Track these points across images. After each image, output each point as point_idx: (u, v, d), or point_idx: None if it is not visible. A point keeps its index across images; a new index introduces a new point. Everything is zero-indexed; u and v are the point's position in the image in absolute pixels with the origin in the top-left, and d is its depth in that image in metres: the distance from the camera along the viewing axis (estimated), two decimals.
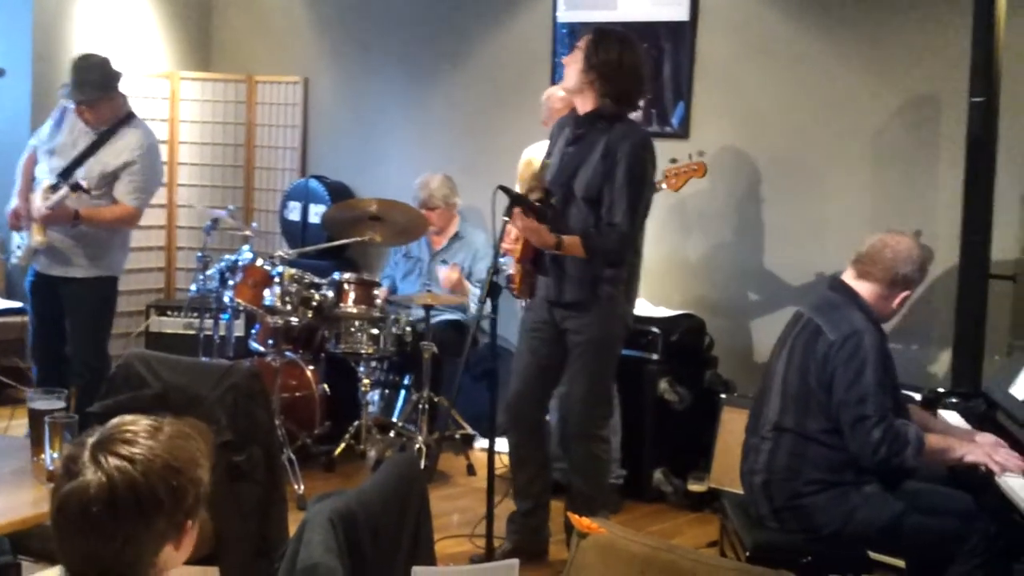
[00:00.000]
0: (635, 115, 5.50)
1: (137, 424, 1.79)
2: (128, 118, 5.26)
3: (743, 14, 5.70)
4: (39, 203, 5.05)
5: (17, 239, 5.31)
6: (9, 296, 6.79)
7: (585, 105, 4.30)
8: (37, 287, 5.32)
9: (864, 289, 3.58)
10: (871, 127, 5.37)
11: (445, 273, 5.89)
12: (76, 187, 4.98)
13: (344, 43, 7.29)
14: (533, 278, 4.43)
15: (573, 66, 4.28)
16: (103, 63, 5.14)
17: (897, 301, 3.61)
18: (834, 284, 3.67)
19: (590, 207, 4.23)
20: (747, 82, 5.71)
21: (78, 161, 5.14)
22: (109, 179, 5.12)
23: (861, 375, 3.39)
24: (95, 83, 5.09)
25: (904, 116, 5.27)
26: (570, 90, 4.35)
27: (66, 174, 5.10)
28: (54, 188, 5.05)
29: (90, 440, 1.76)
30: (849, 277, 3.63)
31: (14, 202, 5.24)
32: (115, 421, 1.81)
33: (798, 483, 3.50)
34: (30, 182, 5.28)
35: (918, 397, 4.20)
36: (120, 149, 5.16)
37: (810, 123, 5.53)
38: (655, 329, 5.36)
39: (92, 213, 5.11)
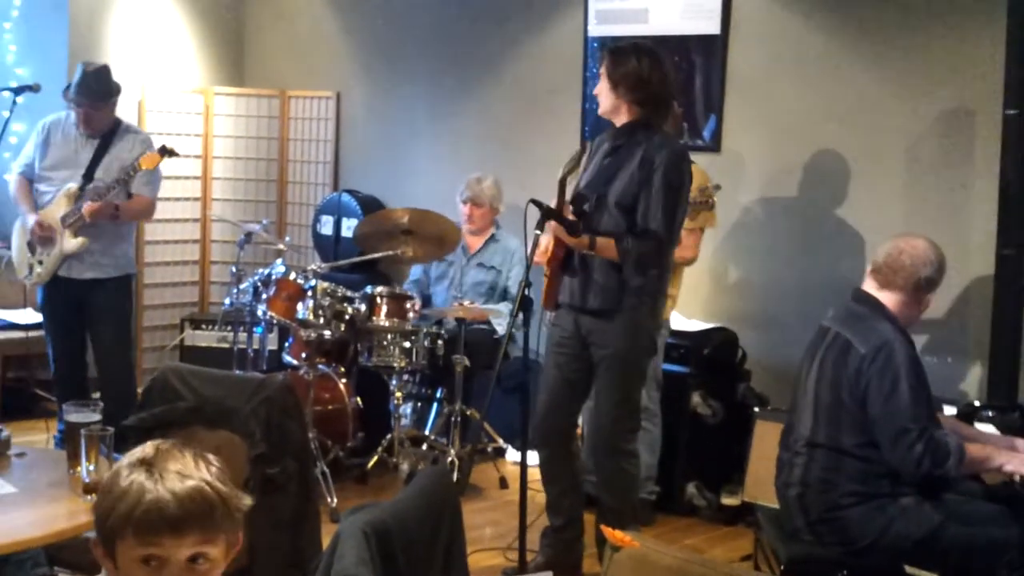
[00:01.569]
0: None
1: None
2: (118, 122, 5.47)
3: (774, 27, 5.68)
4: (65, 206, 5.17)
5: (28, 259, 5.38)
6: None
7: (621, 119, 4.31)
8: (56, 300, 5.41)
9: (888, 299, 3.56)
10: (905, 139, 5.34)
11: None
12: (133, 171, 5.18)
13: (375, 58, 7.33)
14: (558, 288, 4.41)
15: (602, 89, 4.32)
16: (109, 70, 5.36)
17: (923, 305, 3.59)
18: (858, 296, 3.64)
19: (623, 214, 4.21)
20: (779, 95, 5.70)
21: (94, 164, 5.30)
22: (126, 175, 5.26)
23: (896, 387, 3.36)
24: (107, 89, 5.33)
25: (938, 128, 5.24)
26: (607, 112, 4.35)
27: (88, 177, 5.23)
28: (81, 191, 5.19)
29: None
30: (872, 288, 3.60)
31: (32, 218, 5.32)
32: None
33: (834, 496, 3.48)
34: (32, 202, 5.40)
35: (954, 411, 4.17)
36: (130, 144, 5.38)
37: (843, 135, 5.51)
38: (687, 343, 5.35)
39: (127, 206, 5.32)
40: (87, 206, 5.14)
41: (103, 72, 5.31)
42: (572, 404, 4.52)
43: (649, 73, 4.25)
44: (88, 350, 5.52)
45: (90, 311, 5.39)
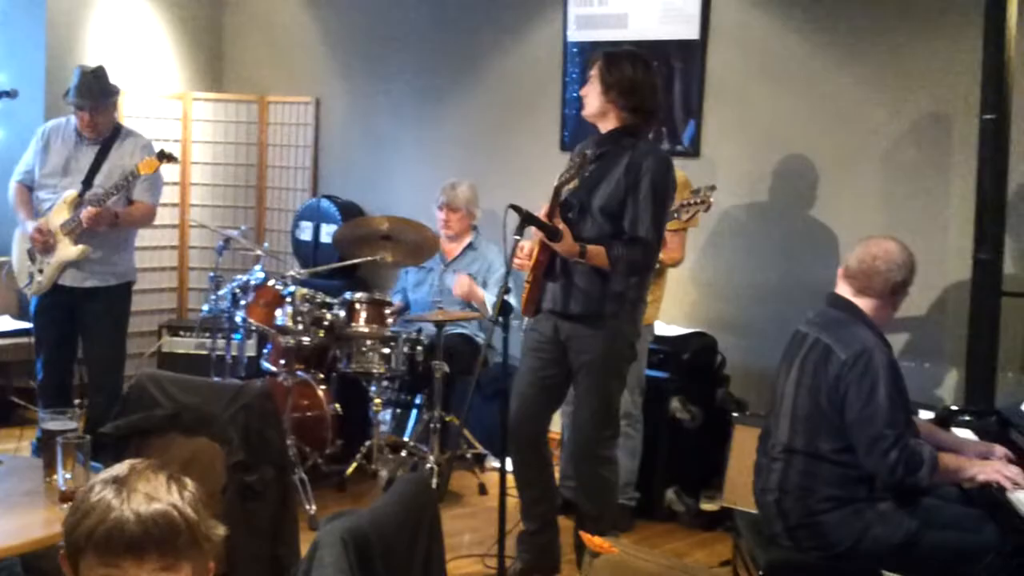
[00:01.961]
0: None
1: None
2: (119, 127, 5.44)
3: (753, 32, 5.70)
4: (65, 214, 5.13)
5: (26, 267, 5.33)
6: (20, 317, 6.81)
7: (608, 125, 4.31)
8: (50, 308, 5.35)
9: (864, 304, 3.57)
10: (883, 144, 5.36)
11: (456, 281, 5.89)
12: (133, 176, 5.16)
13: (355, 63, 7.32)
14: (539, 295, 4.41)
15: (591, 91, 4.31)
16: (106, 71, 5.33)
17: (897, 307, 3.62)
18: (835, 301, 3.65)
19: (607, 219, 4.22)
20: (758, 100, 5.71)
21: (93, 170, 5.26)
22: (126, 181, 5.23)
23: (874, 393, 3.37)
24: (106, 90, 5.29)
25: (916, 133, 5.27)
26: (593, 115, 4.34)
27: (88, 183, 5.20)
28: (80, 197, 5.16)
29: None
30: (847, 293, 3.61)
31: (31, 225, 5.28)
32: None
33: (811, 501, 3.49)
34: (32, 208, 5.36)
35: (931, 415, 4.19)
36: (130, 150, 5.35)
37: (821, 140, 5.53)
38: (667, 348, 5.35)
39: (127, 212, 5.29)
40: (85, 212, 5.10)
41: (101, 73, 5.28)
42: (546, 410, 4.52)
43: (642, 81, 4.27)
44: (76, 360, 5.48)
45: (86, 319, 5.34)
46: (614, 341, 4.31)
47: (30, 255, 5.34)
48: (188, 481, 1.82)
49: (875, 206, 5.39)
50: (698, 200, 4.85)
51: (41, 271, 5.29)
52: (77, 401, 5.40)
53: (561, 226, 4.16)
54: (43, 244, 5.24)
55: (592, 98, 4.31)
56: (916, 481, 3.37)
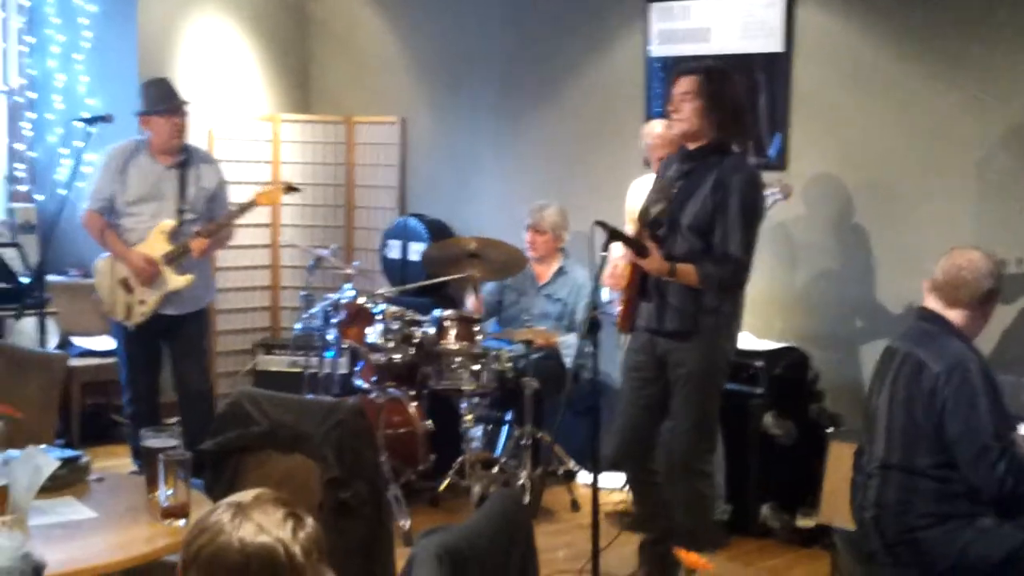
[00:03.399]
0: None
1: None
2: (185, 145, 5.50)
3: (839, 43, 5.64)
4: (164, 244, 5.22)
5: (123, 299, 5.38)
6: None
7: (699, 142, 4.28)
8: (143, 335, 5.42)
9: (955, 316, 3.52)
10: (974, 155, 5.26)
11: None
12: (249, 206, 5.36)
13: (439, 82, 7.38)
14: (634, 312, 4.41)
15: (686, 108, 4.24)
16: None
17: (988, 317, 3.56)
18: (925, 315, 3.60)
19: (697, 236, 4.21)
20: (845, 111, 5.64)
21: (181, 195, 5.35)
22: (210, 202, 5.37)
23: (975, 406, 3.32)
24: (179, 94, 5.43)
25: (1008, 143, 5.16)
26: (688, 134, 4.29)
27: (181, 211, 5.28)
28: (180, 226, 5.29)
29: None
30: (936, 306, 3.57)
31: (135, 256, 5.29)
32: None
33: (910, 517, 3.43)
34: (123, 241, 5.39)
35: None
36: (208, 171, 5.48)
37: (911, 151, 5.44)
38: (758, 363, 5.30)
39: (219, 237, 5.43)
40: (196, 243, 5.19)
41: (165, 80, 5.46)
42: (650, 427, 4.49)
43: (739, 97, 4.32)
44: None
45: (179, 341, 5.43)
46: (712, 354, 4.30)
47: (125, 285, 5.36)
48: (310, 522, 1.80)
49: (967, 218, 5.28)
50: (776, 191, 4.83)
51: (143, 302, 5.33)
52: (172, 421, 5.50)
53: (650, 244, 4.15)
54: (150, 276, 5.29)
55: (689, 117, 4.24)
56: None
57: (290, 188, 5.27)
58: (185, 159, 5.42)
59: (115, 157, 5.42)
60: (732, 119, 4.26)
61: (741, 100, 4.30)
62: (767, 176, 5.28)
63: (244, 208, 5.23)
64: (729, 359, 4.40)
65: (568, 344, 5.84)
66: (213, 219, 5.36)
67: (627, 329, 4.46)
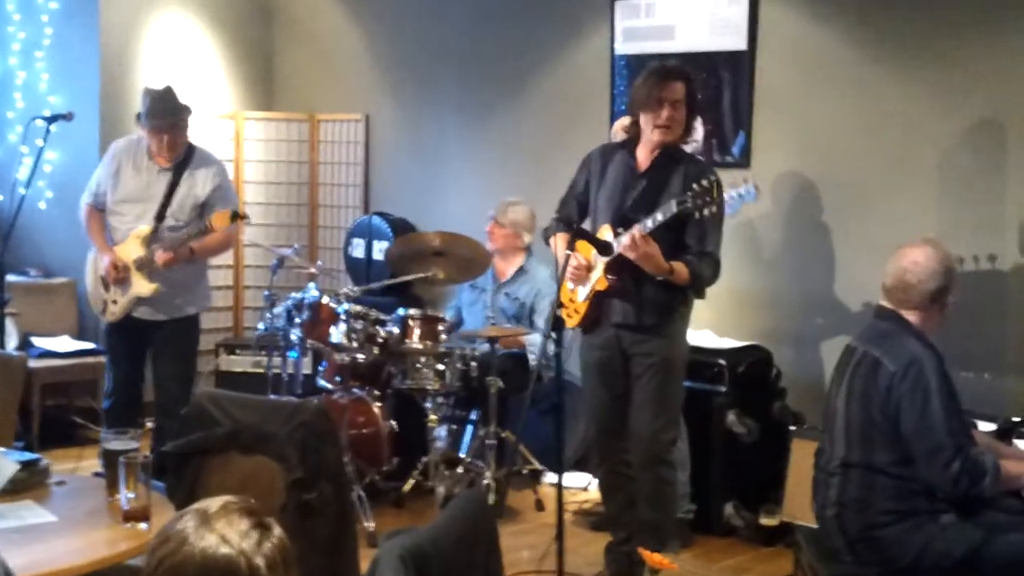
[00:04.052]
0: (695, 145, 5.54)
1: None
2: (191, 147, 5.40)
3: (801, 41, 5.67)
4: (139, 249, 5.16)
5: (100, 294, 5.37)
6: (80, 337, 6.90)
7: (668, 139, 4.36)
8: (122, 330, 5.39)
9: (909, 315, 3.55)
10: (936, 152, 5.30)
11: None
12: (204, 231, 5.15)
13: (404, 79, 7.36)
14: (599, 311, 4.43)
15: (679, 117, 4.34)
16: (174, 91, 5.33)
17: (944, 312, 3.57)
18: (882, 313, 3.62)
19: (671, 234, 4.26)
20: (808, 109, 5.68)
21: (166, 201, 5.25)
22: (199, 209, 5.25)
23: (928, 404, 3.34)
24: (178, 108, 5.29)
25: (970, 140, 5.21)
26: (678, 137, 4.41)
27: (160, 216, 5.21)
28: (154, 233, 5.18)
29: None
30: (891, 306, 3.59)
31: (106, 259, 5.28)
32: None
33: (871, 515, 3.45)
34: (105, 235, 5.38)
35: (993, 427, 4.13)
36: (203, 178, 5.32)
37: (873, 149, 5.48)
38: (721, 361, 5.32)
39: (203, 246, 5.29)
40: (160, 256, 5.12)
41: (170, 92, 5.29)
42: (622, 419, 4.52)
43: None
44: (146, 379, 5.53)
45: (156, 345, 5.37)
46: (680, 346, 4.46)
47: (103, 283, 5.35)
48: (277, 532, 1.77)
49: (931, 214, 5.32)
50: (750, 187, 4.88)
51: (115, 302, 5.31)
52: (148, 423, 5.46)
53: (640, 241, 4.16)
54: (116, 278, 5.26)
55: (680, 122, 4.36)
56: (980, 491, 3.33)
57: (240, 217, 5.22)
58: (182, 162, 5.33)
59: (115, 154, 5.40)
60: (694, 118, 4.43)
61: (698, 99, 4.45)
62: (733, 175, 5.34)
63: (200, 232, 5.15)
64: (688, 347, 4.56)
65: (533, 343, 5.85)
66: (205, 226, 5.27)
67: (588, 329, 4.49)
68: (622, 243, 4.22)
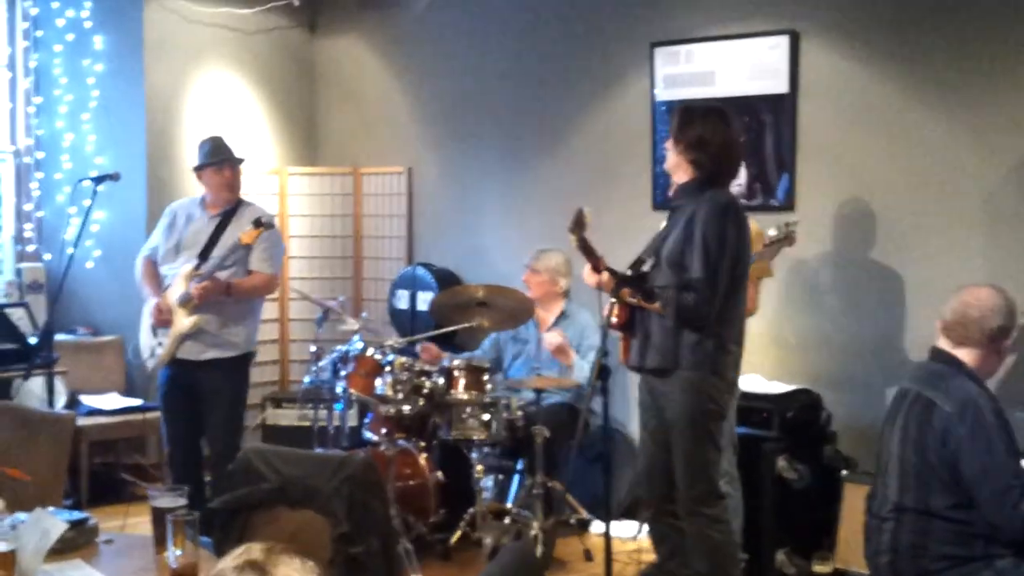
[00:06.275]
0: (738, 188, 5.52)
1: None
2: (240, 200, 5.55)
3: (843, 83, 5.65)
4: (182, 287, 5.23)
5: (149, 342, 5.43)
6: (128, 394, 6.95)
7: (680, 177, 4.39)
8: (173, 381, 5.44)
9: (966, 355, 3.51)
10: (982, 191, 5.25)
11: (548, 338, 5.88)
12: (236, 247, 5.26)
13: (445, 132, 7.40)
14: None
15: (668, 146, 4.41)
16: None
17: (1002, 354, 3.53)
18: (935, 355, 3.59)
19: (673, 270, 4.25)
20: (851, 150, 5.65)
21: (211, 243, 5.37)
22: (242, 251, 5.30)
23: (990, 446, 3.29)
24: (231, 150, 5.50)
25: (1016, 178, 5.16)
26: (669, 168, 4.45)
27: (204, 255, 5.30)
28: (196, 269, 5.29)
29: None
30: (947, 346, 3.55)
31: (152, 301, 5.39)
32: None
33: (926, 561, 3.39)
34: (158, 283, 5.47)
35: None
36: (246, 220, 5.39)
37: (918, 189, 5.44)
38: (770, 406, 5.26)
39: (240, 283, 5.35)
40: (196, 286, 5.20)
41: (219, 138, 5.52)
42: (668, 463, 4.42)
43: (711, 136, 4.30)
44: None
45: (203, 391, 5.40)
46: (695, 396, 4.24)
47: (153, 330, 5.43)
48: (312, 565, 1.81)
49: (978, 254, 5.26)
50: (781, 237, 4.84)
51: (161, 344, 5.39)
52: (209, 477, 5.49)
53: (599, 261, 4.29)
54: (161, 319, 5.34)
55: (669, 153, 4.41)
56: None
57: (263, 225, 5.27)
58: (231, 210, 5.47)
59: (172, 209, 5.61)
60: (703, 157, 4.30)
61: (712, 138, 4.29)
62: (774, 219, 5.31)
63: (235, 249, 5.23)
64: (719, 398, 4.30)
65: (581, 367, 5.80)
66: (248, 268, 5.36)
67: (627, 363, 4.52)
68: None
